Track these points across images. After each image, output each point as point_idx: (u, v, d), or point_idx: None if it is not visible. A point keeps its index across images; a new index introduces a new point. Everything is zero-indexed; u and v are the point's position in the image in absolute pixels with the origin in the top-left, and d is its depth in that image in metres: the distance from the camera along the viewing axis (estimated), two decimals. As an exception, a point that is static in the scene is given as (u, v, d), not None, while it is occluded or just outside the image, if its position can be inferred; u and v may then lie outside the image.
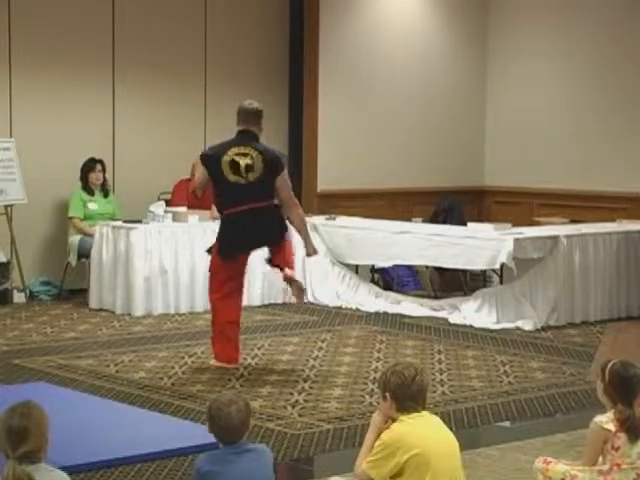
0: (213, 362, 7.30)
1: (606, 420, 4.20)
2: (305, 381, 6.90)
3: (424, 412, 3.93)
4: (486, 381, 6.98)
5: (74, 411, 5.91)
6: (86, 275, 9.67)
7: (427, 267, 10.32)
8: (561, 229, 9.83)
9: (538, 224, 10.89)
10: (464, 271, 10.19)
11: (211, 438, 3.78)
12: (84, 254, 9.73)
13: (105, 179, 10.23)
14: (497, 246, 8.96)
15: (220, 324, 7.25)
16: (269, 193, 7.13)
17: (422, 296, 10.07)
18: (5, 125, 10.06)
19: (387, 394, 3.93)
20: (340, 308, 9.79)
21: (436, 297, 10.05)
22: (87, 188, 10.10)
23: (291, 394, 6.54)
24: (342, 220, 10.42)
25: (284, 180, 7.18)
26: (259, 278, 9.63)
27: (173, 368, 7.22)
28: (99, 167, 10.13)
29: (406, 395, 3.89)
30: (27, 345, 7.96)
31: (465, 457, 4.16)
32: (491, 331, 8.76)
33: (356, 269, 10.25)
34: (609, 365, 4.27)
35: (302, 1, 11.61)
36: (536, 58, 12.19)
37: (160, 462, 5.10)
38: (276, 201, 7.19)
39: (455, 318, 9.16)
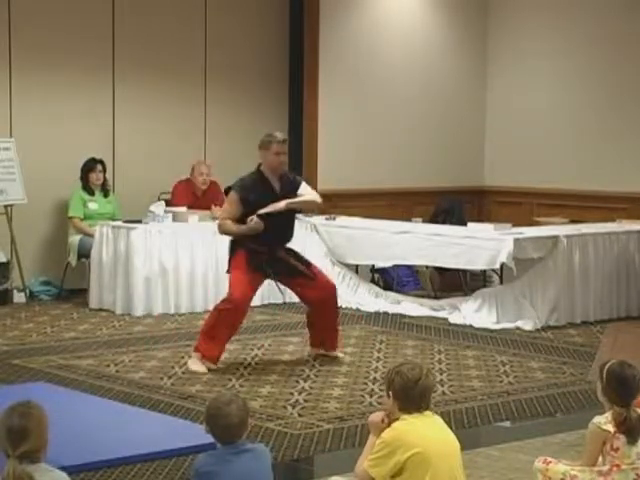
0: None
1: (605, 421, 4.19)
2: (305, 381, 6.90)
3: (427, 412, 3.93)
4: (486, 381, 6.98)
5: (74, 411, 5.91)
6: (86, 275, 9.67)
7: (427, 267, 10.32)
8: (561, 229, 9.83)
9: (538, 224, 10.89)
10: (464, 271, 10.18)
11: (211, 438, 3.77)
12: (84, 254, 9.73)
13: (105, 179, 10.23)
14: (497, 246, 8.96)
15: None
16: None
17: (422, 296, 10.06)
18: (5, 125, 10.06)
19: (390, 392, 3.94)
20: (340, 308, 9.75)
21: (436, 297, 10.04)
22: (87, 188, 10.10)
23: (291, 394, 6.54)
24: (342, 220, 10.42)
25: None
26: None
27: (173, 368, 7.22)
28: (99, 167, 10.13)
29: (408, 397, 3.89)
30: (27, 345, 7.96)
31: (465, 457, 4.16)
32: (491, 331, 8.76)
33: (356, 269, 10.25)
34: (607, 365, 4.27)
35: (302, 1, 11.61)
36: (536, 58, 12.20)
37: (160, 462, 5.09)
38: None
39: (455, 318, 9.15)
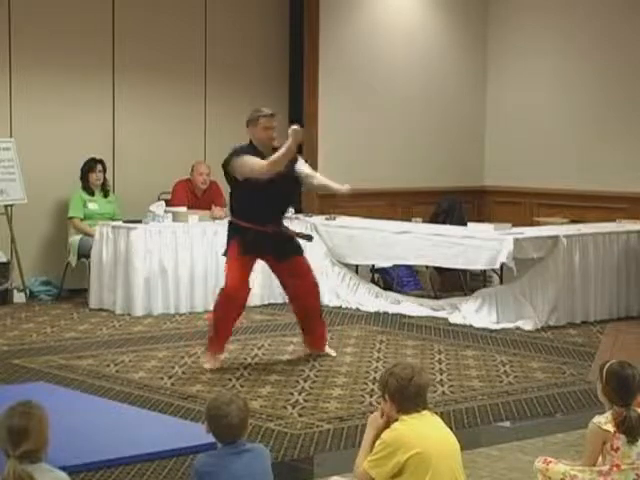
0: None
1: (605, 421, 4.19)
2: (305, 381, 6.90)
3: (425, 412, 3.93)
4: (486, 381, 6.98)
5: (74, 411, 5.91)
6: (86, 275, 9.67)
7: (427, 267, 10.32)
8: (561, 229, 9.83)
9: (538, 224, 10.90)
10: (464, 271, 10.19)
11: (211, 438, 3.78)
12: (84, 254, 9.73)
13: (105, 179, 10.23)
14: (497, 246, 8.96)
15: None
16: (230, 204, 7.42)
17: (422, 296, 10.07)
18: (5, 125, 10.06)
19: (387, 395, 3.94)
20: (340, 308, 9.79)
21: (436, 297, 10.04)
22: (87, 188, 10.11)
23: (291, 394, 6.54)
24: (342, 220, 10.42)
25: (240, 168, 7.13)
26: (259, 278, 9.61)
27: (173, 368, 7.22)
28: (99, 167, 10.13)
29: (403, 397, 3.89)
30: (27, 345, 7.96)
31: (465, 457, 4.16)
32: (491, 331, 8.76)
33: (356, 269, 10.25)
34: (607, 365, 4.28)
35: (302, 1, 11.61)
36: (536, 58, 12.19)
37: (160, 462, 5.09)
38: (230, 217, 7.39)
39: (455, 318, 9.15)
